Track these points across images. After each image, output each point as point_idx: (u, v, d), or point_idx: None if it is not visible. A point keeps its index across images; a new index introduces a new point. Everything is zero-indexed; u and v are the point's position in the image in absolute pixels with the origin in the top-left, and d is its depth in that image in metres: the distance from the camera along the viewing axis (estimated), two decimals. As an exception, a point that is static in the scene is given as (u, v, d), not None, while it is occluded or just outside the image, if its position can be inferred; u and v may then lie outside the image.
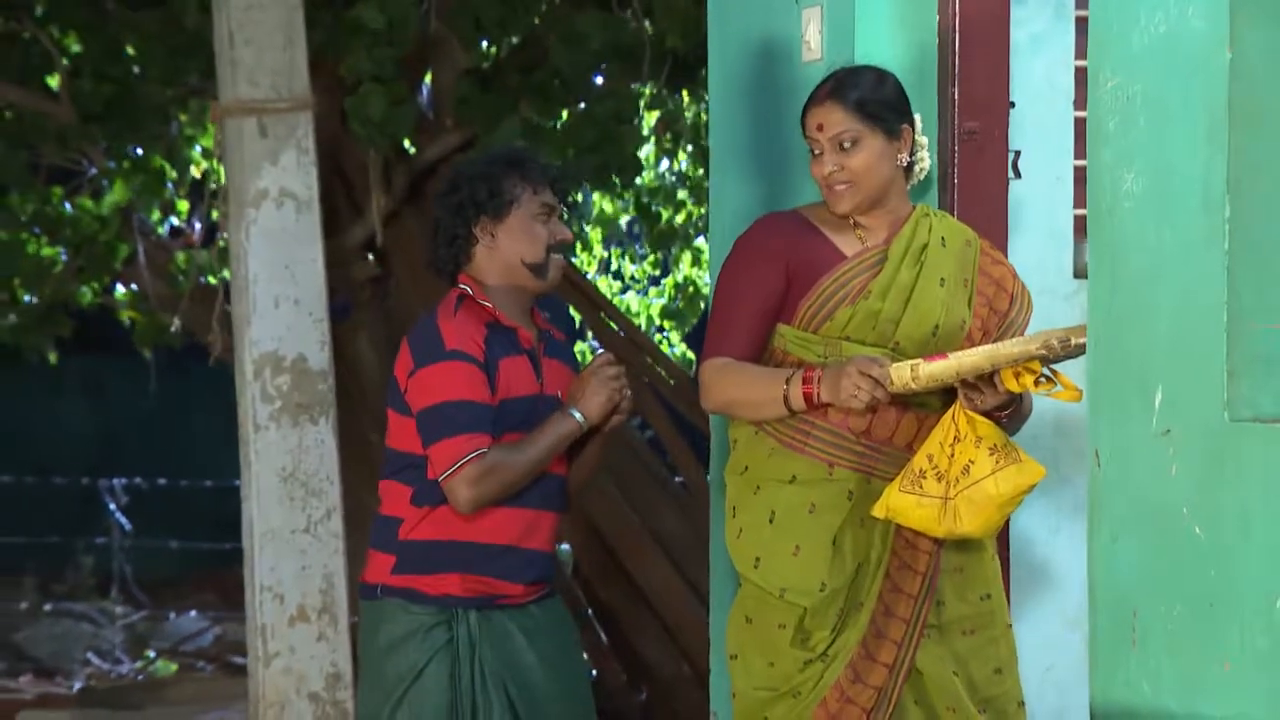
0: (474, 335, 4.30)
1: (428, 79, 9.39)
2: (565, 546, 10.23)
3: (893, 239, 4.05)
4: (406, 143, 9.25)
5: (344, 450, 9.00)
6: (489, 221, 4.35)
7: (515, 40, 9.13)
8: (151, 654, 12.21)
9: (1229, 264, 3.31)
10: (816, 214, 4.12)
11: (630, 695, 9.93)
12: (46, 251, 9.89)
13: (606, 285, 11.76)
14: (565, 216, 4.43)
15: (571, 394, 4.39)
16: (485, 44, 9.33)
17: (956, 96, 4.23)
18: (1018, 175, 4.33)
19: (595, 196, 11.03)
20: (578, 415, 4.35)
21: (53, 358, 10.36)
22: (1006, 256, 4.38)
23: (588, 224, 11.35)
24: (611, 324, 9.75)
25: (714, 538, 4.70)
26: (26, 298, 9.97)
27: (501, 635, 4.36)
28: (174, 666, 11.83)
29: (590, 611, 10.07)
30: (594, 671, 10.36)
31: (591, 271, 11.88)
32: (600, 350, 4.51)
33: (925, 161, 4.06)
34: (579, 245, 11.45)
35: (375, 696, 4.36)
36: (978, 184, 4.26)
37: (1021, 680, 4.43)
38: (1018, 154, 4.32)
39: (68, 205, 9.80)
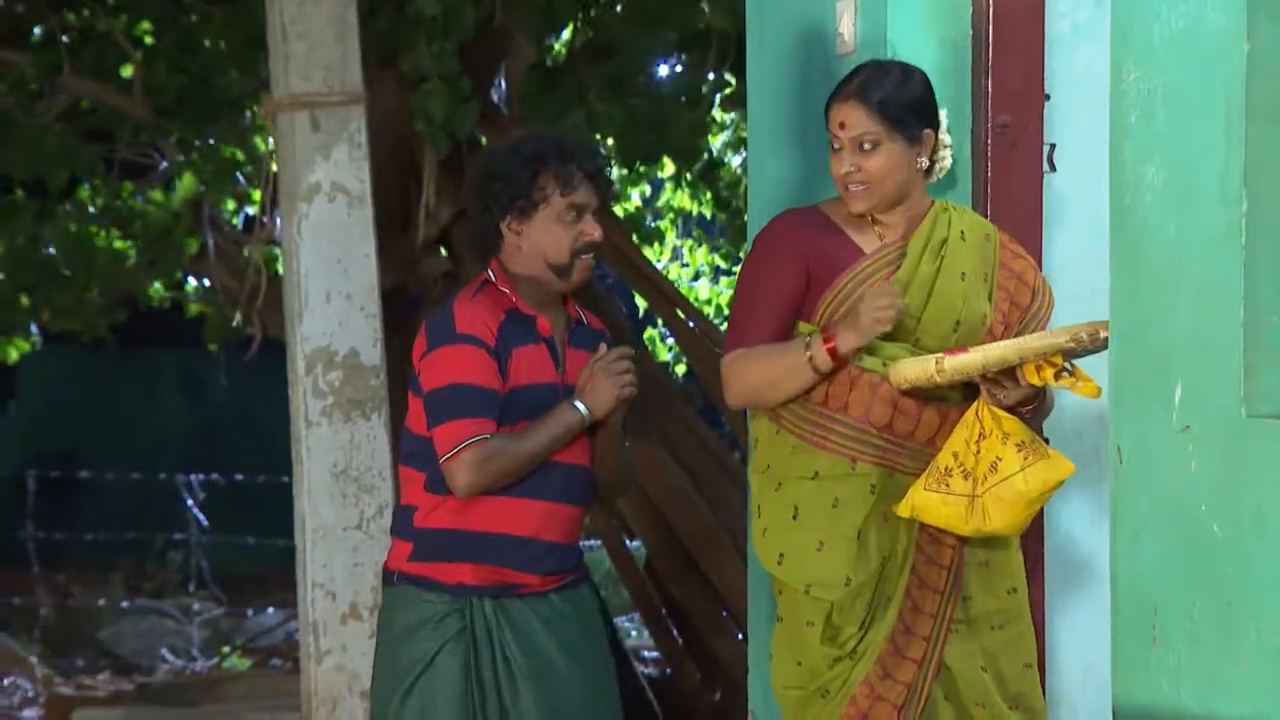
0: (488, 321, 4.36)
1: (500, 72, 9.51)
2: (637, 544, 10.32)
3: (911, 234, 4.11)
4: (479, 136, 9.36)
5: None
6: (514, 220, 4.43)
7: (583, 31, 9.23)
8: (226, 650, 12.40)
9: (1246, 258, 3.36)
10: (836, 210, 4.18)
11: (704, 695, 10.00)
12: (118, 245, 10.07)
13: (678, 272, 11.85)
14: (610, 202, 4.44)
15: (578, 386, 4.45)
16: (557, 37, 9.44)
17: (990, 89, 4.28)
18: (1053, 169, 4.36)
19: (668, 186, 11.11)
20: (581, 407, 4.40)
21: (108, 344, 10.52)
22: (1044, 252, 4.42)
23: (661, 217, 11.44)
24: (680, 313, 9.82)
25: (751, 507, 4.76)
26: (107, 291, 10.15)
27: (520, 623, 4.42)
28: (247, 663, 12.01)
29: (664, 610, 10.14)
30: (668, 669, 10.44)
31: (665, 259, 11.97)
32: (608, 342, 4.54)
33: (946, 161, 4.12)
34: (651, 237, 11.53)
35: (387, 683, 4.42)
36: (1011, 178, 4.30)
37: (1062, 679, 4.48)
38: (1053, 147, 4.36)
39: (139, 198, 9.97)
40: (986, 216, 4.33)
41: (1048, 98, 4.36)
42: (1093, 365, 3.99)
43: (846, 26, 4.40)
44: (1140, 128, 3.58)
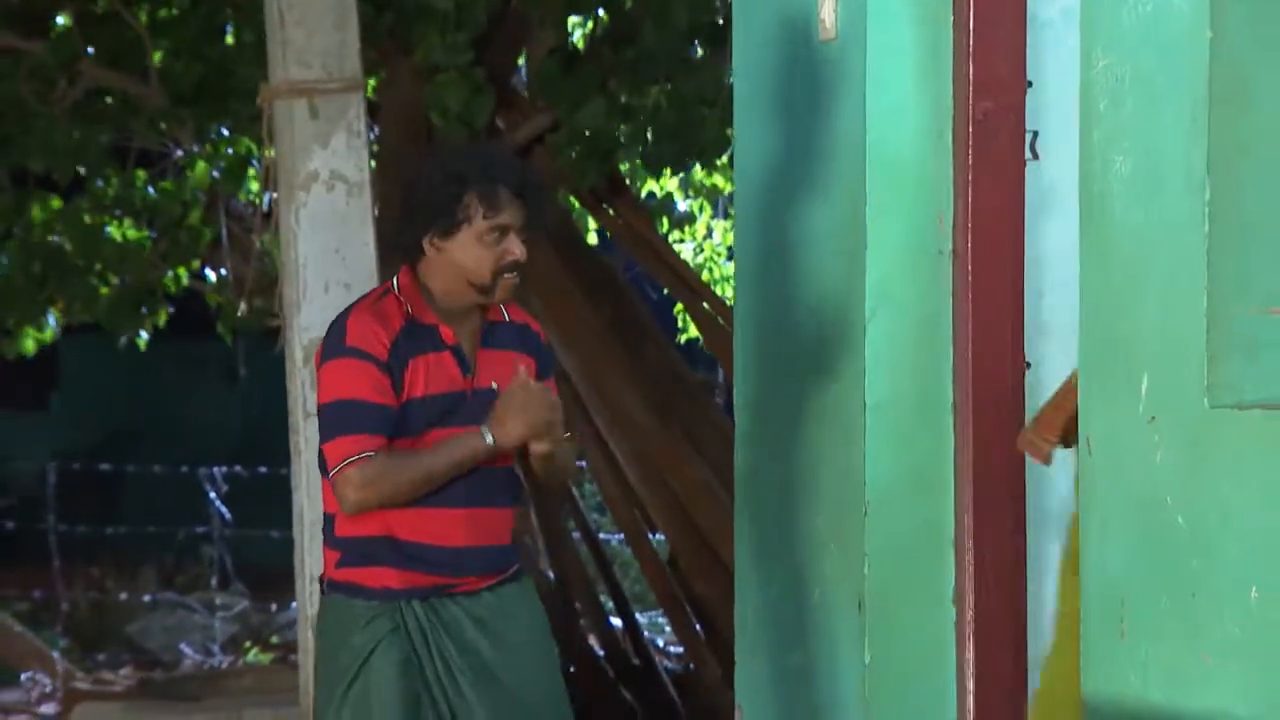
0: (379, 333, 4.36)
1: (521, 60, 9.57)
2: (659, 537, 10.38)
3: None
4: (499, 122, 9.42)
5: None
6: (436, 237, 4.42)
7: (604, 16, 9.28)
8: (249, 645, 12.51)
9: (1209, 248, 3.39)
10: None
11: (727, 690, 10.05)
12: (131, 235, 10.17)
13: (711, 250, 11.90)
14: (541, 219, 4.45)
15: (493, 412, 4.43)
16: (575, 20, 9.49)
17: (971, 76, 4.31)
18: (1035, 156, 4.39)
19: (698, 168, 11.15)
20: (488, 437, 4.40)
21: (141, 343, 10.62)
22: (1033, 240, 4.44)
23: (691, 195, 11.48)
24: (705, 305, 9.88)
25: (738, 515, 4.81)
26: (116, 280, 10.24)
27: (452, 622, 4.45)
28: (267, 657, 12.12)
29: (687, 606, 10.20)
30: (691, 665, 10.50)
31: (700, 239, 12.01)
32: (538, 353, 4.55)
33: None
34: (683, 221, 11.58)
35: (323, 692, 4.46)
36: (993, 166, 4.33)
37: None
38: (1035, 134, 4.39)
39: (150, 189, 10.07)
40: (968, 205, 4.37)
41: (1030, 85, 4.38)
42: (1061, 357, 4.03)
43: (828, 13, 4.43)
44: (1109, 115, 3.61)
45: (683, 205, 11.76)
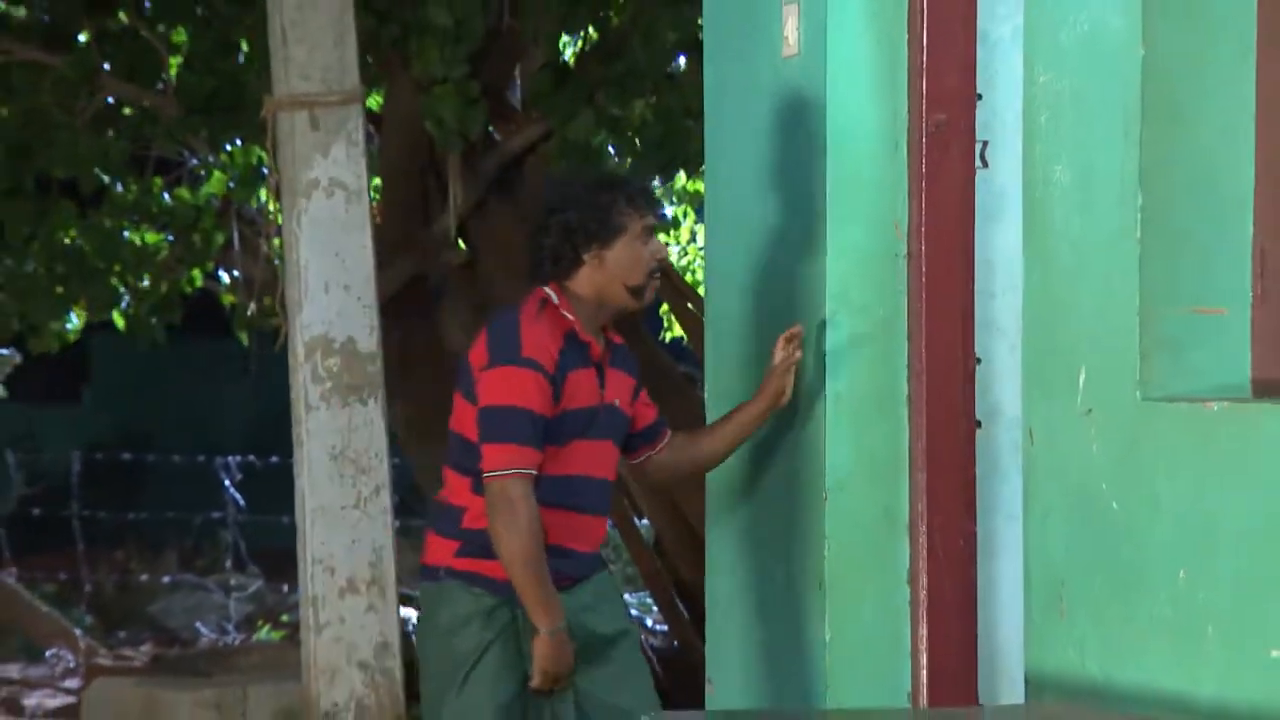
0: (550, 346, 4.38)
1: (516, 73, 9.59)
2: (644, 522, 10.40)
3: None
4: (493, 131, 9.44)
5: (434, 428, 9.22)
6: (599, 248, 4.43)
7: (595, 34, 9.29)
8: (262, 623, 12.54)
9: (1141, 252, 3.43)
10: None
11: (710, 668, 10.06)
12: (150, 239, 10.19)
13: (695, 253, 11.91)
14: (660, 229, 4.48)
15: (536, 654, 4.38)
16: (566, 38, 9.51)
17: (925, 89, 4.33)
18: (985, 165, 4.42)
19: (681, 173, 11.16)
20: (542, 629, 4.38)
21: (159, 338, 10.63)
22: (983, 246, 4.46)
23: (675, 201, 11.48)
24: (690, 306, 9.89)
25: (710, 502, 4.84)
26: (138, 283, 10.27)
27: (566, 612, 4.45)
28: (279, 635, 12.14)
29: (672, 588, 10.21)
30: (675, 643, 10.52)
31: (684, 242, 12.01)
32: (633, 370, 4.53)
33: None
34: (668, 226, 11.58)
35: (440, 676, 4.47)
36: (945, 175, 4.36)
37: (998, 650, 4.54)
38: (985, 144, 4.42)
39: (166, 195, 10.09)
40: (922, 211, 4.40)
41: (980, 98, 4.41)
42: (1009, 353, 4.07)
43: (791, 30, 4.46)
44: (1049, 128, 3.65)
45: (668, 211, 11.76)
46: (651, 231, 4.47)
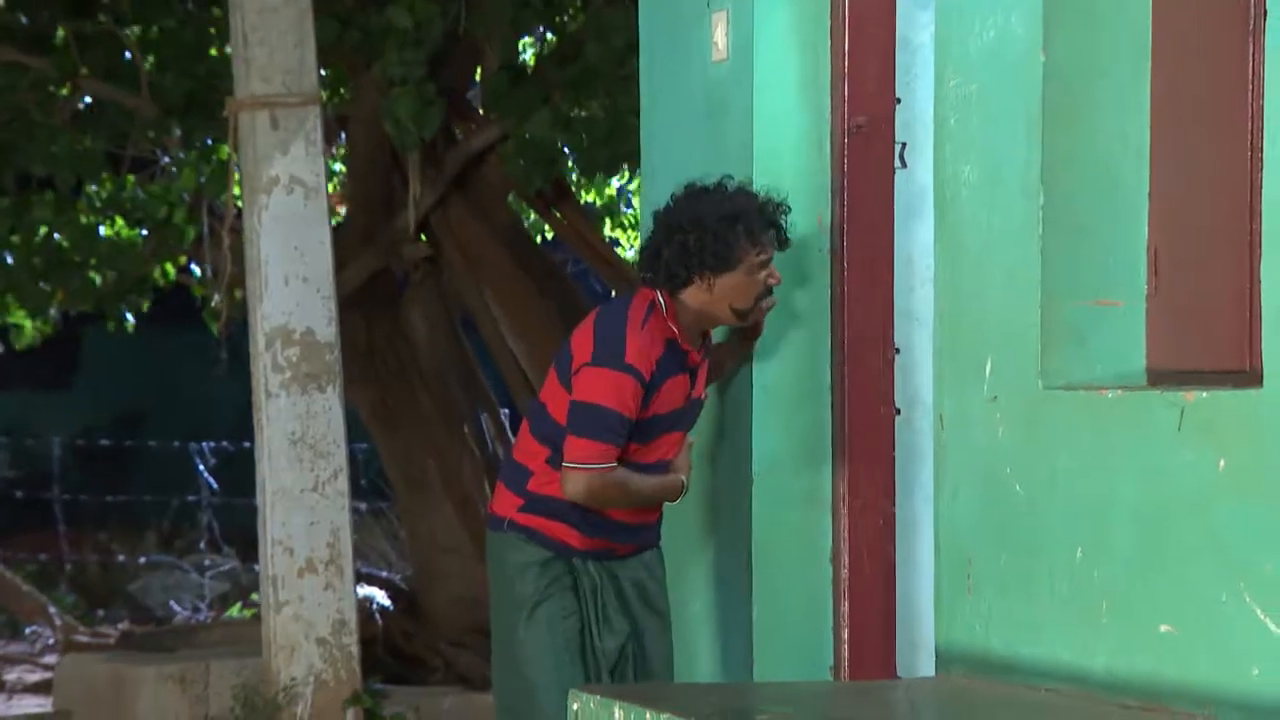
0: (651, 355, 4.39)
1: (477, 74, 9.59)
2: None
3: None
4: (456, 131, 9.45)
5: (398, 414, 9.24)
6: (711, 275, 4.39)
7: (551, 37, 9.31)
8: (235, 602, 12.54)
9: (1043, 247, 3.47)
10: None
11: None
12: (125, 234, 10.18)
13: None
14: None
15: (674, 465, 4.50)
16: (523, 41, 9.52)
17: (846, 92, 4.37)
18: (904, 165, 4.46)
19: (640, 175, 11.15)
20: (683, 479, 4.50)
21: (129, 326, 10.65)
22: (902, 241, 4.50)
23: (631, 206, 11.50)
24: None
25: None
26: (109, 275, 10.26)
27: (619, 576, 4.57)
28: (250, 613, 12.14)
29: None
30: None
31: (639, 243, 12.00)
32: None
33: None
34: (626, 224, 11.59)
35: (506, 615, 4.57)
36: (866, 174, 4.39)
37: (918, 624, 4.58)
38: (904, 145, 4.46)
39: (139, 191, 10.08)
40: (844, 208, 4.43)
41: (899, 101, 4.45)
42: (928, 344, 4.09)
43: (720, 36, 4.49)
44: (958, 129, 3.68)
45: (627, 209, 11.77)
46: (767, 264, 4.40)
